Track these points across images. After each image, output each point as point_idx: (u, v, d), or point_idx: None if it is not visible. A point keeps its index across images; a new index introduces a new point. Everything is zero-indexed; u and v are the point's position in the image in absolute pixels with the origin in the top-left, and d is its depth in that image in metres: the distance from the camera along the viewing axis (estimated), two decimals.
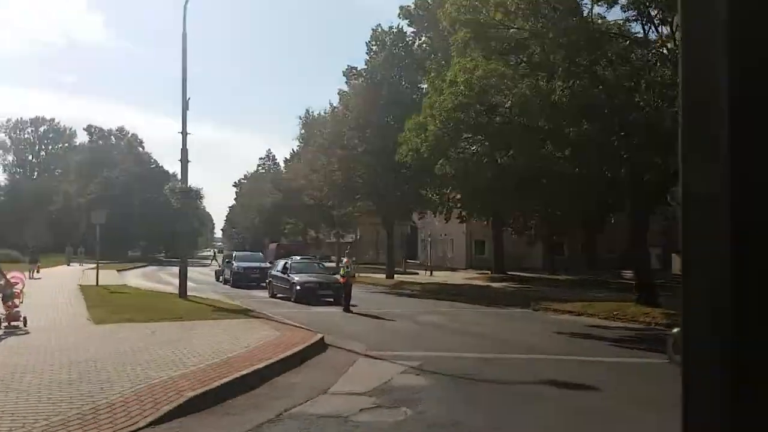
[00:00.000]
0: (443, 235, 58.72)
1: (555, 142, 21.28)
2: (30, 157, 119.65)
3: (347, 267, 20.29)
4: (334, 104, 37.80)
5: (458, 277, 38.59)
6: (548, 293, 25.54)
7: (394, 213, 36.13)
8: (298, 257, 27.64)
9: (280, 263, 25.69)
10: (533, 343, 13.76)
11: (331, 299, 21.85)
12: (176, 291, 22.00)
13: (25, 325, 13.57)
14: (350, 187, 35.59)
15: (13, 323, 13.55)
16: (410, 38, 37.45)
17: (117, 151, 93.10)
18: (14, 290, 14.29)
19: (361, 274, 40.47)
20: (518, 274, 40.16)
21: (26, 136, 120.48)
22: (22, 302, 14.36)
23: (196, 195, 21.96)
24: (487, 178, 23.63)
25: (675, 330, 9.48)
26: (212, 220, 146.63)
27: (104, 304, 18.13)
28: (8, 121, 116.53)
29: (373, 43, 36.75)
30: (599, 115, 18.88)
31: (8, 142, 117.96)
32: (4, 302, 14.05)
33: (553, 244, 44.77)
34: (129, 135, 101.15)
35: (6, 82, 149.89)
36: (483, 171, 22.75)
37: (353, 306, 20.58)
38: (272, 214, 60.46)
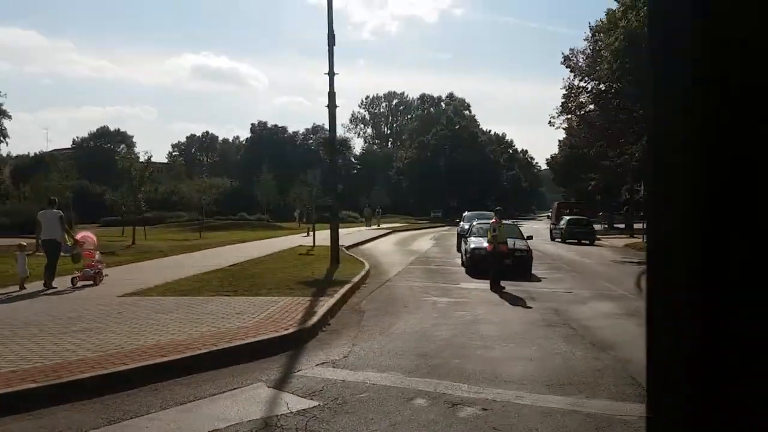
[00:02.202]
0: None
1: None
2: (384, 129, 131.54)
3: (493, 230, 14.88)
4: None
5: None
6: None
7: None
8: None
9: (469, 224, 21.01)
10: None
11: (516, 269, 16.75)
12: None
13: (95, 284, 13.62)
14: (608, 128, 28.00)
15: (82, 282, 13.60)
16: None
17: (443, 116, 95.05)
18: (82, 250, 14.20)
19: None
20: None
21: (381, 110, 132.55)
22: (97, 261, 14.28)
23: (342, 147, 18.48)
24: None
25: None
26: None
27: (231, 269, 16.46)
28: (367, 98, 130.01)
29: None
30: None
31: (367, 116, 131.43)
32: (75, 261, 14.18)
33: None
34: (456, 100, 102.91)
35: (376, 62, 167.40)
36: None
37: (526, 281, 15.23)
38: (566, 168, 53.55)
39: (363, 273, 16.10)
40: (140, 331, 8.51)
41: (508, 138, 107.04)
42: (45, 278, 13.35)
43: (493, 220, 15.18)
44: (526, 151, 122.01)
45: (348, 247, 25.86)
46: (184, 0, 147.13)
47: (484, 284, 14.86)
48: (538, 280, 16.56)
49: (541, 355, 8.11)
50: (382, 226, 47.65)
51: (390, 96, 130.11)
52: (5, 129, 60.62)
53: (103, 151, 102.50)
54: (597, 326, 10.13)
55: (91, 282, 13.69)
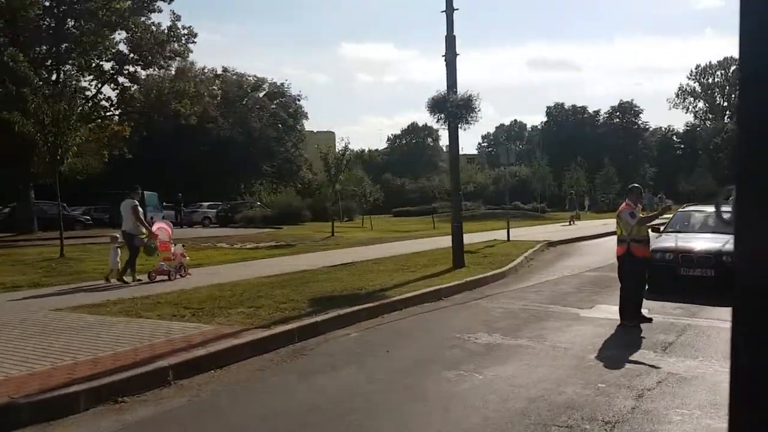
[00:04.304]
0: None
1: None
2: (720, 101, 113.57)
3: (631, 216, 8.49)
4: None
5: None
6: None
7: None
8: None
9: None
10: None
11: (720, 287, 9.93)
12: None
13: (170, 279, 12.31)
14: None
15: (160, 277, 12.41)
16: None
17: None
18: (158, 242, 12.82)
19: None
20: None
21: (716, 79, 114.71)
22: (178, 254, 12.89)
23: (462, 109, 13.21)
24: None
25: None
26: None
27: (305, 273, 13.03)
28: (697, 67, 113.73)
29: None
30: None
31: (698, 88, 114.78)
32: (148, 254, 12.90)
33: None
34: None
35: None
36: None
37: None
38: None
39: (460, 282, 11.35)
40: None
41: None
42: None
43: (624, 204, 8.84)
44: None
45: (557, 243, 20.34)
46: None
47: (609, 313, 8.86)
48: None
49: None
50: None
51: (726, 63, 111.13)
52: (304, 129, 66.09)
53: (411, 146, 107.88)
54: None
55: (165, 277, 12.39)
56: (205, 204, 44.34)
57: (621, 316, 8.41)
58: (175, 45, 29.49)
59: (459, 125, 13.25)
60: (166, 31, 29.06)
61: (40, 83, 16.99)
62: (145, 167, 48.85)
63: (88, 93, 28.99)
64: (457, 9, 13.28)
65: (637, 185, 9.24)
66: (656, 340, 7.38)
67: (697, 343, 7.27)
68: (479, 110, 12.94)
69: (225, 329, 7.41)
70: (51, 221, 30.56)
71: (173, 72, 44.26)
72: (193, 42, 29.70)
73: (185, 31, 29.42)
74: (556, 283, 12.39)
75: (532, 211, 52.92)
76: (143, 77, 30.32)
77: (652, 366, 6.33)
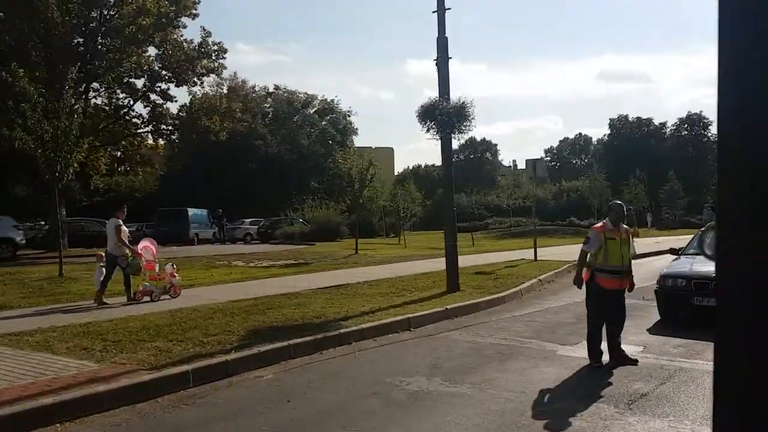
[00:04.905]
0: None
1: None
2: None
3: (605, 240, 6.94)
4: None
5: None
6: None
7: None
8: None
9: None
10: None
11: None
12: None
13: (152, 299, 11.70)
14: None
15: (146, 298, 11.82)
16: None
17: None
18: (143, 262, 12.12)
19: None
20: None
21: None
22: (166, 274, 12.24)
23: (458, 117, 11.79)
24: None
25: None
26: None
27: (267, 298, 11.87)
28: None
29: None
30: None
31: None
32: (133, 274, 12.20)
33: None
34: None
35: None
36: None
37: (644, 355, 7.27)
38: None
39: (439, 310, 9.98)
40: None
41: None
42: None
43: (599, 224, 7.29)
44: None
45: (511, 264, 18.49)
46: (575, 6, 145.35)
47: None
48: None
49: None
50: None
51: None
52: (353, 145, 65.43)
53: (469, 161, 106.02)
54: None
55: (147, 298, 11.81)
56: (247, 221, 44.20)
57: (589, 353, 6.93)
58: (205, 61, 29.22)
59: (452, 135, 11.91)
60: (196, 48, 28.85)
61: (40, 99, 16.51)
62: (196, 184, 49.47)
63: (121, 111, 29.04)
64: (449, 8, 11.96)
65: (619, 202, 7.66)
66: (626, 390, 5.86)
67: (678, 395, 5.71)
68: (473, 118, 11.57)
69: (107, 370, 6.33)
70: (88, 238, 30.89)
71: (225, 90, 44.22)
72: (224, 58, 29.38)
73: (215, 47, 29.12)
74: (557, 312, 10.81)
75: (587, 228, 50.36)
76: (199, 94, 30.37)
77: (601, 428, 4.87)
